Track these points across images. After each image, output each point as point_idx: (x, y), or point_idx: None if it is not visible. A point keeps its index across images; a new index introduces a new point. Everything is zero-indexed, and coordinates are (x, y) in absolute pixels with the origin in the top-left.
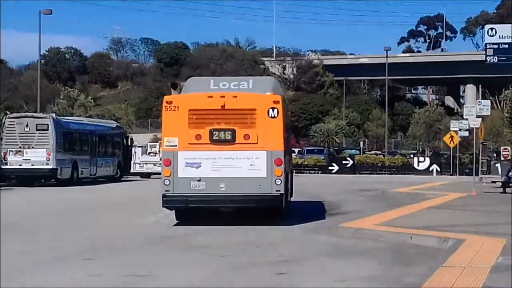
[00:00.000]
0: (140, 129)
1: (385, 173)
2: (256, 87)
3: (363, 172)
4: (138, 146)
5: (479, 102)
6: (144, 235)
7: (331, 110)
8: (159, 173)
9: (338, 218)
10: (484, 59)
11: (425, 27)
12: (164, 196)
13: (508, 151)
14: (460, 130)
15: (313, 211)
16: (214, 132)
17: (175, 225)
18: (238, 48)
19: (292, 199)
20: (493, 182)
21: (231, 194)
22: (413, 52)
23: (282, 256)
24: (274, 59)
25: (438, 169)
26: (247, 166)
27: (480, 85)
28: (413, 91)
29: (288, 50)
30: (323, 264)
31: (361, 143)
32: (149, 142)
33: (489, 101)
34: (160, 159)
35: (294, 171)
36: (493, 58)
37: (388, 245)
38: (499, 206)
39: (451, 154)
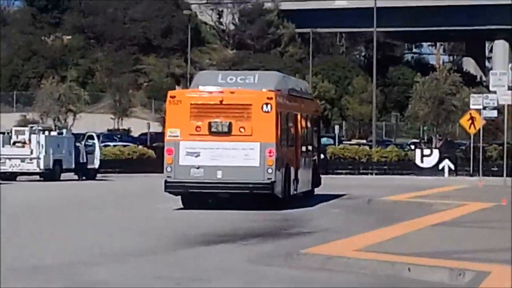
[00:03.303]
0: (1, 106)
1: (372, 173)
2: (261, 82)
3: (339, 171)
4: None
5: None
6: None
7: None
8: (31, 173)
9: (300, 239)
10: None
11: None
12: (166, 182)
13: None
14: (485, 108)
15: (263, 229)
16: (212, 124)
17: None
18: None
19: None
20: None
21: (227, 181)
22: None
23: None
24: (204, 1)
25: (452, 167)
26: (242, 156)
27: None
28: (415, 51)
29: None
30: None
31: (337, 128)
32: (15, 126)
33: None
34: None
35: (315, 162)
36: None
37: (375, 280)
38: None
39: (472, 145)
